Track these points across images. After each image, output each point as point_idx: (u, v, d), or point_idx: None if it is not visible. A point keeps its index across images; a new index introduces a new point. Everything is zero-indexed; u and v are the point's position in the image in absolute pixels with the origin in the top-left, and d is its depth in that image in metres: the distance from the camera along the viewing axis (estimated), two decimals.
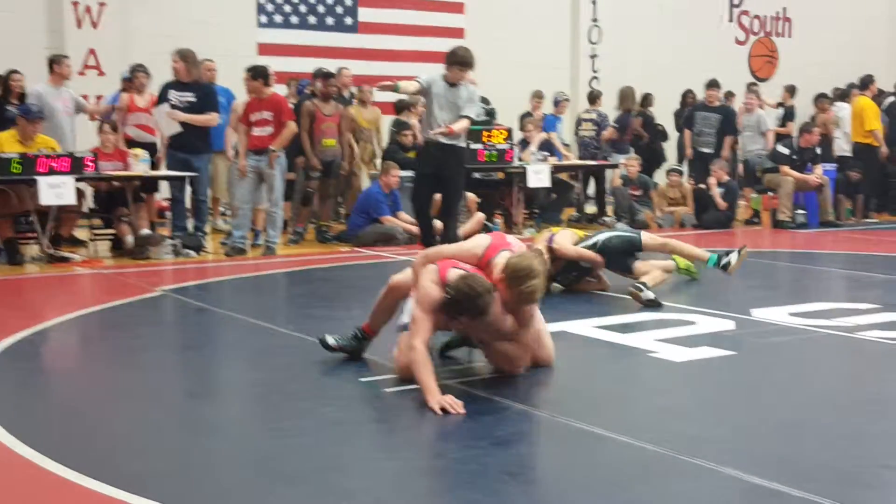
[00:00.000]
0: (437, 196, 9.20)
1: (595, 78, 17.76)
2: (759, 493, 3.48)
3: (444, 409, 4.39)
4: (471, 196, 11.83)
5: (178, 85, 10.46)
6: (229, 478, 3.76)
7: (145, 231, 10.22)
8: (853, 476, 3.69)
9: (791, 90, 16.51)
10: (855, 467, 3.79)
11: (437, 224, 9.36)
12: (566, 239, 7.91)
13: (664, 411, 4.52)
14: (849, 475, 3.70)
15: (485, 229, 11.70)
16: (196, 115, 10.45)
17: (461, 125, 8.67)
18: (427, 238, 8.93)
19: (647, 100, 15.33)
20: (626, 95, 14.48)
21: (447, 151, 8.72)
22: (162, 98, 10.47)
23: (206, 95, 10.61)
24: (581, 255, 7.78)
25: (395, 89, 8.62)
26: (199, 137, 10.57)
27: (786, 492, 3.46)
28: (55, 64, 10.74)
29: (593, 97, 14.75)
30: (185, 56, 10.48)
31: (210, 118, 10.63)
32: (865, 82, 14.59)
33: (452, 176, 8.87)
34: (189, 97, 10.45)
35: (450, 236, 8.91)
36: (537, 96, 14.58)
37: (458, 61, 8.59)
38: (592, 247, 7.81)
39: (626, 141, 14.37)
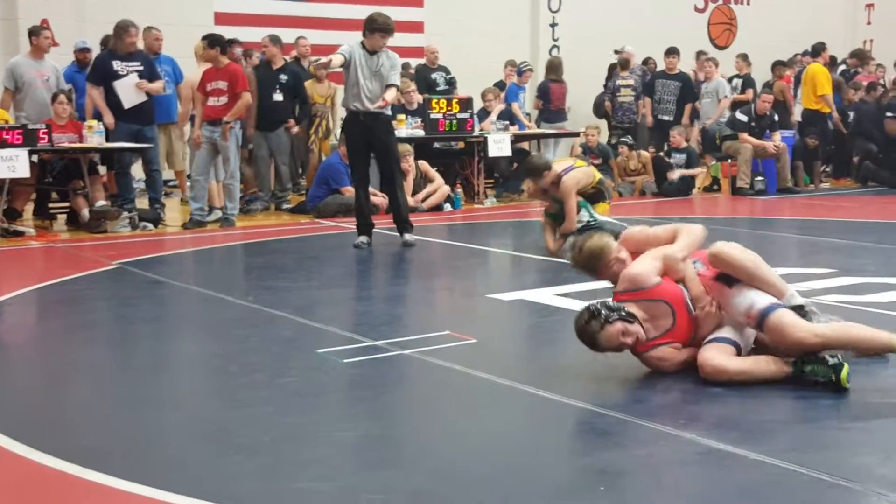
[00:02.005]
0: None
1: (555, 46, 17.70)
2: (716, 456, 3.50)
3: None
4: (423, 163, 11.75)
5: (121, 56, 10.30)
6: (186, 449, 3.73)
7: (101, 204, 10.09)
8: (808, 438, 3.73)
9: (745, 58, 16.43)
10: (810, 429, 3.83)
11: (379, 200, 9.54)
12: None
13: (622, 377, 4.53)
14: (804, 437, 3.74)
15: (448, 201, 11.70)
16: (153, 84, 10.38)
17: (391, 95, 8.60)
18: (365, 211, 8.82)
19: (613, 70, 15.33)
20: (553, 65, 14.57)
21: (377, 119, 8.59)
22: (105, 70, 10.27)
23: (150, 64, 10.58)
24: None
25: (328, 66, 8.53)
26: (151, 107, 10.51)
27: (741, 454, 3.48)
28: (34, 36, 10.60)
29: (625, 62, 14.77)
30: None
31: (161, 86, 10.62)
32: (818, 49, 14.67)
33: (386, 143, 8.74)
34: (137, 66, 10.33)
35: (399, 204, 8.87)
36: (511, 65, 14.52)
37: (380, 28, 8.43)
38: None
39: (557, 109, 14.34)
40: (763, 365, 4.34)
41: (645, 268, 4.52)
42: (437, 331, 5.42)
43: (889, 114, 14.05)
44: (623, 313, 4.34)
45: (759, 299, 4.38)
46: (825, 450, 3.59)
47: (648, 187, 13.23)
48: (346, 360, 4.86)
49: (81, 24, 12.98)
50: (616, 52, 15.18)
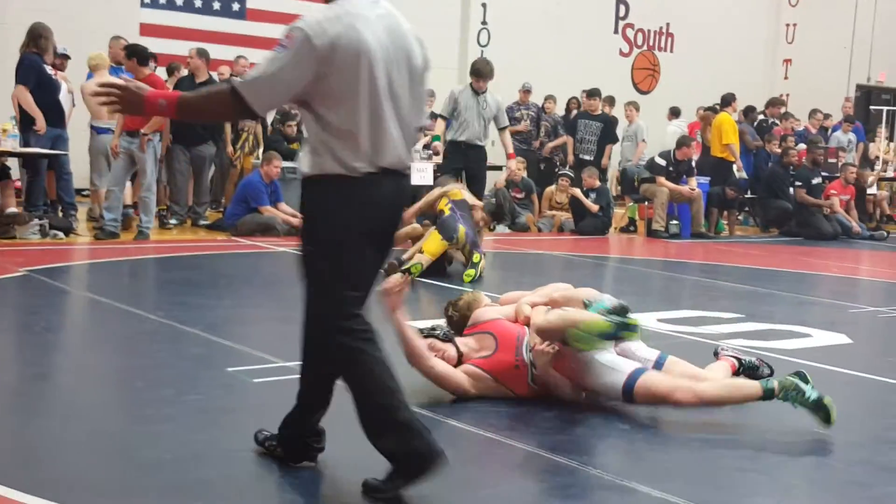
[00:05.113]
0: None
1: None
2: (619, 491, 3.55)
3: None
4: None
5: (43, 61, 10.17)
6: (85, 464, 3.64)
7: (11, 210, 9.84)
8: (708, 478, 3.80)
9: (611, 101, 16.39)
10: (710, 470, 3.91)
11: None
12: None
13: (529, 411, 4.56)
14: (704, 477, 3.81)
15: None
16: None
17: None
18: None
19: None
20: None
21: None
22: (39, 73, 10.07)
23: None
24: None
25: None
26: (63, 112, 10.43)
27: (644, 491, 3.54)
28: None
29: (525, 91, 15.03)
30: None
31: None
32: (727, 100, 15.01)
33: (481, 169, 10.99)
34: (53, 72, 10.30)
35: None
36: (430, 95, 14.61)
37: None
38: None
39: None
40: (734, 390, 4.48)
41: (488, 309, 4.93)
42: None
43: (798, 183, 14.46)
44: (441, 333, 4.72)
45: (619, 376, 4.45)
46: (725, 490, 3.67)
47: (567, 225, 13.40)
48: (256, 380, 4.81)
49: (5, 30, 12.71)
50: (524, 89, 15.53)
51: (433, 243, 8.44)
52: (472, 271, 8.38)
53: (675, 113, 17.42)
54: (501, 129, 10.79)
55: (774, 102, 16.78)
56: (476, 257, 8.44)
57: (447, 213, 8.60)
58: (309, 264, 3.48)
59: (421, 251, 8.40)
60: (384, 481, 3.37)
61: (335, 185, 3.32)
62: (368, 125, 3.30)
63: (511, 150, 11.34)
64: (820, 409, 4.29)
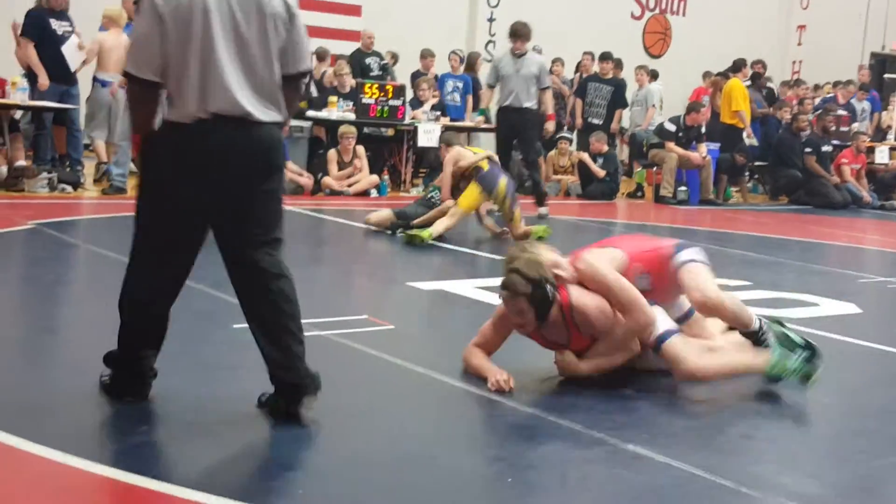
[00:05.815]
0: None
1: (491, 41, 17.72)
2: (623, 456, 3.55)
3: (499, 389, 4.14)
4: (360, 149, 11.68)
5: (53, 14, 10.09)
6: (89, 416, 3.65)
7: (20, 163, 9.83)
8: (714, 444, 3.79)
9: (619, 64, 16.21)
10: (716, 436, 3.91)
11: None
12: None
13: (537, 375, 4.56)
14: (710, 443, 3.80)
15: (374, 187, 11.64)
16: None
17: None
18: None
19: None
20: (471, 60, 14.83)
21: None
22: (42, 27, 10.02)
23: (72, 24, 10.40)
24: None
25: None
26: (68, 68, 10.38)
27: (649, 456, 3.53)
28: None
29: (536, 53, 14.93)
30: None
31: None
32: (738, 66, 14.87)
33: (529, 133, 10.77)
34: (67, 26, 10.19)
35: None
36: (430, 55, 14.49)
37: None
38: None
39: None
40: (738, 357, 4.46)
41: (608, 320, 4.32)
42: (356, 314, 5.40)
43: (808, 149, 14.36)
44: (546, 305, 4.21)
45: (659, 323, 4.40)
46: (729, 456, 3.66)
47: (574, 189, 13.35)
48: None
49: None
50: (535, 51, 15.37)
51: (470, 196, 8.34)
52: (540, 227, 8.71)
53: (653, 75, 17.17)
54: (542, 90, 10.73)
55: (755, 63, 16.40)
56: (518, 216, 8.50)
57: (486, 168, 8.47)
58: (137, 200, 3.75)
59: (456, 205, 8.33)
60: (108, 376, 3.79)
61: (167, 132, 3.48)
62: (199, 72, 3.38)
63: (550, 111, 11.71)
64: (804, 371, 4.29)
